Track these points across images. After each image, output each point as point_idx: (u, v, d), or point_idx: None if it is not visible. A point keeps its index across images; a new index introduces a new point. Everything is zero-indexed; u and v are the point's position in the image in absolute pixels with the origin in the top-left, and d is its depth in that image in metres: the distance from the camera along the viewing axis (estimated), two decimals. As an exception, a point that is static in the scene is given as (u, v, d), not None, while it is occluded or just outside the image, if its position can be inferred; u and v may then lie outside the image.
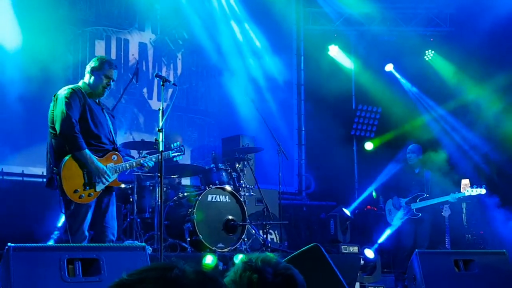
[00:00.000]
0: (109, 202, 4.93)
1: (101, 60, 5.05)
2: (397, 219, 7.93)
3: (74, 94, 4.80)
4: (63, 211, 4.70)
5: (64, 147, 4.68)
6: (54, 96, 4.87)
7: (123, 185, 5.78)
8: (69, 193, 4.60)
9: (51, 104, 4.87)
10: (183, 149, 5.72)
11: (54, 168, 4.68)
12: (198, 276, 1.17)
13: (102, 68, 4.99)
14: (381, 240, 8.32)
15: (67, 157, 4.64)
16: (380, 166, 9.45)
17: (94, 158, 4.72)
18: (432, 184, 8.09)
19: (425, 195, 7.95)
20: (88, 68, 5.04)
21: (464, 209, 7.73)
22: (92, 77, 4.99)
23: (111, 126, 5.05)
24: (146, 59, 9.30)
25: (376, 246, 8.29)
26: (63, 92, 4.82)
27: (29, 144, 7.48)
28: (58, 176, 4.62)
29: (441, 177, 8.02)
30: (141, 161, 5.14)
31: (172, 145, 5.69)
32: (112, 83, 5.06)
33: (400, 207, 8.06)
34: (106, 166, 4.81)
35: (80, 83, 5.02)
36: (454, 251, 6.20)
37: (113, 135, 5.05)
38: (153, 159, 5.19)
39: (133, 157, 5.72)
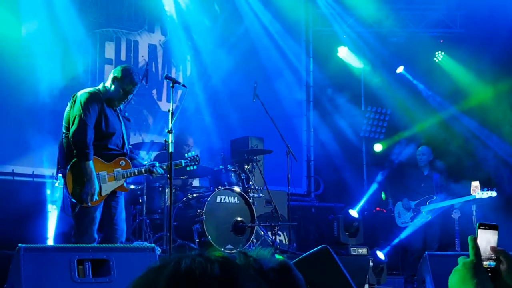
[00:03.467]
0: (117, 204, 4.93)
1: (125, 72, 4.92)
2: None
3: (92, 99, 4.76)
4: (70, 213, 4.71)
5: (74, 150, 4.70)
6: (73, 96, 4.84)
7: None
8: (74, 196, 4.62)
9: (69, 104, 4.85)
10: (198, 160, 5.59)
11: (62, 169, 4.70)
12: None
13: (123, 81, 4.90)
14: (397, 240, 8.30)
15: (74, 160, 4.65)
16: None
17: (94, 173, 4.67)
18: (441, 186, 8.07)
19: (434, 197, 7.93)
20: (111, 75, 4.97)
21: (474, 211, 7.68)
22: (113, 86, 4.92)
23: (124, 132, 5.01)
24: (155, 61, 9.33)
25: (388, 248, 8.28)
26: (82, 95, 4.78)
27: (40, 145, 7.52)
28: (64, 178, 4.63)
29: (450, 179, 7.99)
30: (151, 168, 5.08)
31: (186, 155, 5.62)
32: (129, 97, 5.01)
33: (410, 209, 8.04)
34: (113, 171, 4.81)
35: (100, 86, 4.98)
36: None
37: (125, 140, 5.02)
38: (164, 167, 5.11)
39: (140, 161, 5.70)
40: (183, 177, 7.37)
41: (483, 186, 7.47)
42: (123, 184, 4.90)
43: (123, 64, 5.12)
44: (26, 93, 7.56)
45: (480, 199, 7.43)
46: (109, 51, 8.75)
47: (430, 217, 7.86)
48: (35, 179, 7.59)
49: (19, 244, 3.86)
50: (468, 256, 1.47)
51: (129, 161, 4.98)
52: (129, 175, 4.94)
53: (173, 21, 9.46)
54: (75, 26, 8.27)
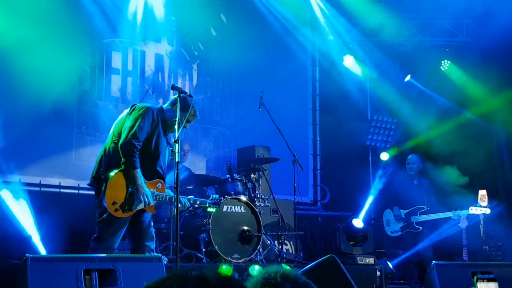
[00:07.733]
0: (147, 222, 5.02)
1: (193, 103, 5.09)
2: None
3: (150, 115, 4.88)
4: (97, 218, 4.80)
5: (120, 157, 4.77)
6: (132, 106, 4.96)
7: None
8: (107, 202, 4.69)
9: (126, 111, 4.96)
10: (219, 203, 5.80)
11: (103, 171, 4.77)
12: (217, 275, 1.23)
13: (188, 112, 5.03)
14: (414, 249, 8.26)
15: (118, 169, 4.74)
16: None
17: (143, 179, 4.81)
18: (430, 195, 8.06)
19: (425, 208, 7.91)
20: (175, 100, 4.97)
21: (481, 220, 7.65)
22: (175, 112, 4.93)
23: (167, 158, 5.14)
24: (162, 70, 9.37)
25: (400, 258, 8.24)
26: (143, 108, 4.89)
27: (47, 154, 7.55)
28: (104, 183, 4.70)
29: (440, 189, 7.98)
30: (181, 198, 5.15)
31: (212, 196, 5.79)
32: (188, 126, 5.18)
33: (401, 219, 8.02)
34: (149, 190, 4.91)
35: (159, 105, 5.11)
36: (472, 263, 6.12)
37: (165, 166, 5.13)
38: (191, 201, 5.37)
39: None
40: (190, 187, 7.38)
41: (490, 196, 7.44)
42: (153, 205, 4.96)
43: (188, 94, 5.16)
44: (32, 103, 7.56)
45: (473, 214, 7.39)
46: (116, 61, 8.80)
47: (420, 229, 7.86)
48: (42, 189, 7.60)
49: (26, 254, 3.87)
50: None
51: (165, 185, 5.10)
52: (160, 199, 5.04)
53: (179, 31, 9.51)
54: (83, 36, 8.32)
